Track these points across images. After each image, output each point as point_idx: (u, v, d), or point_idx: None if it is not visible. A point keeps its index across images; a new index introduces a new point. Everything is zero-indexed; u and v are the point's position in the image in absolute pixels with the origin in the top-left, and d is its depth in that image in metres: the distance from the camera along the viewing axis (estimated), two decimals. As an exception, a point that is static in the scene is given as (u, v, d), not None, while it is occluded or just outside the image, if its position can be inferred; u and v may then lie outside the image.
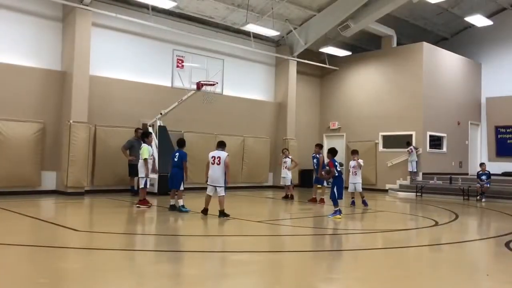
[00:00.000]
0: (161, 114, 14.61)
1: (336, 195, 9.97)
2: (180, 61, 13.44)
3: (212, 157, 9.48)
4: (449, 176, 17.30)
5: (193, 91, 13.74)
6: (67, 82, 13.57)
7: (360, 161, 12.83)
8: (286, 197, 14.29)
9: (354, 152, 13.14)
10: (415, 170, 18.10)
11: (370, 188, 19.16)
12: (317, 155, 13.28)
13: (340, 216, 9.83)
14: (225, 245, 7.07)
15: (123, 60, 15.15)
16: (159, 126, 14.74)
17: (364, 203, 12.60)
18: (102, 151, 14.29)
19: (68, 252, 6.09)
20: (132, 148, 13.72)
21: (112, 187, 14.42)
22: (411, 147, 18.14)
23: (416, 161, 18.08)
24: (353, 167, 12.78)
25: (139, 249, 6.64)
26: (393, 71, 19.59)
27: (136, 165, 11.96)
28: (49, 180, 13.54)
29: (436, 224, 9.60)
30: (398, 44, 20.21)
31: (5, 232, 7.38)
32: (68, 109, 13.42)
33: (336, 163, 10.23)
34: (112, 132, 14.52)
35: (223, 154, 9.46)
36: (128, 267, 5.31)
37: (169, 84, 13.94)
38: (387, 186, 18.89)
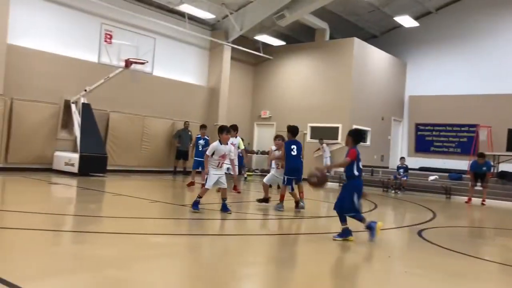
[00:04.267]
0: (85, 91, 13.87)
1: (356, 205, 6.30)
2: (108, 36, 12.83)
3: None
4: (371, 168, 18.04)
5: (121, 69, 13.19)
6: (-20, 49, 12.48)
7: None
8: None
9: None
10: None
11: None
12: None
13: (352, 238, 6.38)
14: (144, 227, 6.83)
15: (47, 31, 14.16)
16: (82, 103, 14.02)
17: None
18: (18, 127, 13.32)
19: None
20: (180, 137, 16.69)
21: (29, 165, 13.52)
22: (324, 144, 18.77)
23: (330, 157, 18.72)
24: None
25: (51, 229, 6.22)
26: (325, 64, 20.01)
27: (182, 151, 16.27)
28: (-45, 155, 12.45)
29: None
30: (330, 38, 20.67)
31: None
32: (-20, 79, 12.36)
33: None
34: (32, 107, 13.58)
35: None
36: (37, 247, 4.94)
37: (96, 60, 13.28)
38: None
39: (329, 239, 6.96)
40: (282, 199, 9.05)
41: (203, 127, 13.33)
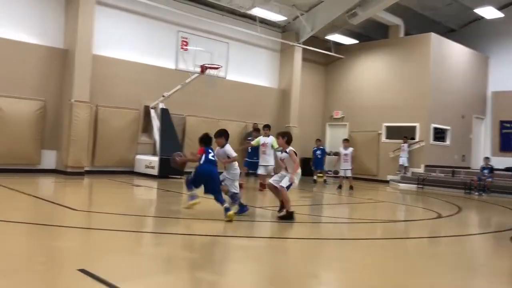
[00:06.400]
0: (163, 96, 14.45)
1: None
2: (184, 43, 13.25)
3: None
4: (451, 169, 17.18)
5: (197, 74, 13.58)
6: (70, 60, 13.39)
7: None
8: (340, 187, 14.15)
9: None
10: (407, 165, 18.10)
11: (371, 178, 19.12)
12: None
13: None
14: (227, 229, 6.96)
15: (127, 41, 14.94)
16: (161, 108, 14.61)
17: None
18: (103, 132, 14.16)
19: (65, 230, 5.99)
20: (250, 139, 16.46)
21: (113, 168, 14.33)
22: (405, 144, 18.14)
23: (408, 158, 18.07)
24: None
25: (137, 230, 6.53)
26: (400, 62, 19.36)
27: None
28: (49, 159, 13.44)
29: (439, 216, 9.49)
30: (405, 34, 19.96)
31: (3, 209, 7.29)
32: (69, 88, 13.26)
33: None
34: (114, 113, 14.38)
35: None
36: (125, 248, 5.21)
37: (173, 66, 13.76)
38: (389, 177, 18.78)
39: (409, 244, 6.69)
40: None
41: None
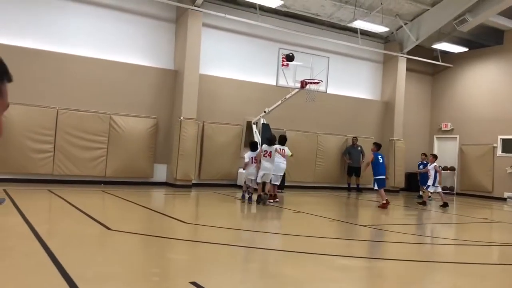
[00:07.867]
0: (264, 112, 14.78)
1: None
2: (285, 60, 13.46)
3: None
4: None
5: (297, 90, 13.70)
6: (179, 80, 14.30)
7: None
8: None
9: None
10: None
11: (485, 195, 17.74)
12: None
13: None
14: (329, 248, 6.90)
15: (231, 59, 15.59)
16: (262, 124, 14.95)
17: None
18: (209, 147, 14.86)
19: (176, 243, 6.37)
20: (350, 154, 16.97)
21: (217, 182, 14.94)
22: None
23: None
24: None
25: (242, 245, 6.73)
26: (517, 69, 17.80)
27: (353, 167, 16.82)
28: (160, 172, 14.41)
29: None
30: (523, 38, 18.32)
31: (121, 219, 7.96)
32: (179, 106, 14.14)
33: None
34: (219, 129, 15.03)
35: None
36: (232, 262, 5.40)
37: (274, 83, 14.03)
38: (506, 195, 17.25)
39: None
40: None
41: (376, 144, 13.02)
